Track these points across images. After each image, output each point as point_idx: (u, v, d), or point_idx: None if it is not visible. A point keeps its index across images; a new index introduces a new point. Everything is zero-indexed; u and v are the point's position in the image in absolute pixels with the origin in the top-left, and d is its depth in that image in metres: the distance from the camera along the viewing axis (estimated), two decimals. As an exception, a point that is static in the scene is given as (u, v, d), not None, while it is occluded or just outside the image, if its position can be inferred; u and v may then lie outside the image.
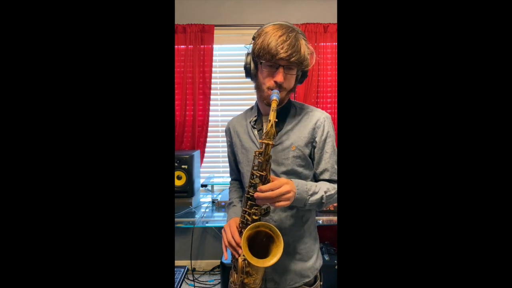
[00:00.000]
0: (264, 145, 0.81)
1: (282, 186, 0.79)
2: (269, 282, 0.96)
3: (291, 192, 0.81)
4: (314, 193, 0.87)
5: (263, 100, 0.91)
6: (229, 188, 1.16)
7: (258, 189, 0.80)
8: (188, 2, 2.28)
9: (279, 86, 0.86)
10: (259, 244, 0.86)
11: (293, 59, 0.83)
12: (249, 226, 0.82)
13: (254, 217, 0.86)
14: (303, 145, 0.93)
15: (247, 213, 0.87)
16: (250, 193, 0.85)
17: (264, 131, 0.82)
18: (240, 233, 0.89)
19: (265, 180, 0.83)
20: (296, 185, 0.84)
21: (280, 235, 0.81)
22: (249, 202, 0.87)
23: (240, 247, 0.85)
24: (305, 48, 0.87)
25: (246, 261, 0.84)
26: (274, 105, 0.81)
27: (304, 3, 2.30)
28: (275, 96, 0.82)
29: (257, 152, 0.83)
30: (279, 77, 0.85)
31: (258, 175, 0.84)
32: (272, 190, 0.79)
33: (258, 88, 0.93)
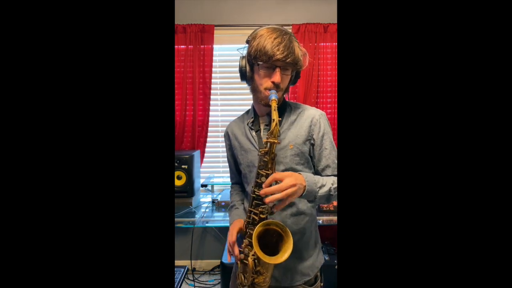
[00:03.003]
0: (269, 144, 0.82)
1: (285, 180, 0.79)
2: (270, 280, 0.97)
3: (296, 186, 0.80)
4: (322, 185, 0.88)
5: (260, 101, 0.93)
6: (230, 192, 1.18)
7: (263, 185, 0.81)
8: (188, 2, 2.28)
9: (276, 86, 0.89)
10: (267, 242, 0.87)
11: (289, 60, 0.86)
12: (259, 223, 0.83)
13: (261, 216, 0.87)
14: (300, 143, 0.95)
15: (253, 212, 0.88)
16: (255, 193, 0.86)
17: (269, 130, 0.83)
18: (246, 233, 0.90)
19: None
20: (305, 178, 0.84)
21: (289, 231, 0.82)
22: (255, 201, 0.87)
23: (249, 246, 0.86)
24: (298, 49, 0.91)
25: (256, 261, 0.84)
26: (274, 104, 0.83)
27: (304, 3, 2.30)
28: (273, 96, 0.85)
29: (262, 152, 0.84)
30: (277, 78, 0.88)
31: (265, 174, 0.84)
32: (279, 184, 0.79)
33: (255, 90, 0.95)
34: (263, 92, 0.90)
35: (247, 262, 0.86)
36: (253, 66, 0.93)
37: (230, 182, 1.20)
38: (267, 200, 0.80)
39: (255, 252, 0.81)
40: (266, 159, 0.83)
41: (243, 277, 0.92)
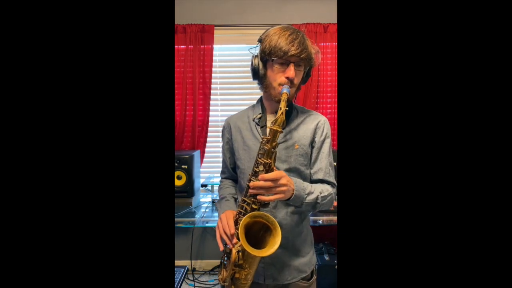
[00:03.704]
0: (272, 132, 0.82)
1: (282, 178, 0.81)
2: (268, 278, 0.98)
3: (286, 187, 0.81)
4: (310, 192, 0.89)
5: (274, 97, 0.94)
6: (220, 186, 1.16)
7: (260, 177, 0.80)
8: (188, 2, 2.28)
9: (290, 81, 0.90)
10: (254, 235, 0.85)
11: (303, 55, 0.89)
12: (248, 214, 0.82)
13: (253, 206, 0.86)
14: (306, 144, 0.97)
15: (246, 202, 0.87)
16: (252, 181, 0.85)
17: (274, 118, 0.83)
18: (237, 223, 0.89)
19: (269, 169, 0.83)
20: (294, 182, 0.85)
21: (278, 226, 0.82)
22: (250, 191, 0.86)
23: (236, 237, 0.85)
24: (311, 47, 0.93)
25: (240, 254, 0.84)
26: (285, 96, 0.85)
27: (304, 3, 2.29)
28: (285, 89, 0.86)
29: (264, 139, 0.84)
30: (291, 73, 0.89)
31: (263, 162, 0.83)
32: (276, 179, 0.80)
33: (268, 86, 0.95)
34: (276, 88, 0.92)
35: (231, 254, 0.85)
36: (266, 63, 0.94)
37: (220, 177, 1.19)
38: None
39: (240, 244, 0.79)
40: (267, 147, 0.83)
41: (224, 272, 0.91)
